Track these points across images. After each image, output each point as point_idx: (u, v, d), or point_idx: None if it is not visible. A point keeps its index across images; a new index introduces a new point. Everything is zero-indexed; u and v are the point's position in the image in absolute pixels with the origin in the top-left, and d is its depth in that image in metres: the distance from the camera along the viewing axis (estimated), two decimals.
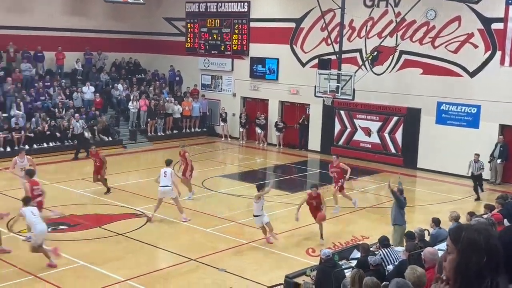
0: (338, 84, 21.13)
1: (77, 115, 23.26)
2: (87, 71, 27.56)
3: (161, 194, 14.64)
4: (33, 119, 22.84)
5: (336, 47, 22.42)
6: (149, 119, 26.30)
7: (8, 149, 21.50)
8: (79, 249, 12.52)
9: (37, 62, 26.05)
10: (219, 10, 27.67)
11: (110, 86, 27.35)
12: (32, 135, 22.37)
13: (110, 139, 24.82)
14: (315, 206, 13.27)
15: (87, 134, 23.58)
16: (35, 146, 22.26)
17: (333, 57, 22.58)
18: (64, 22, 26.96)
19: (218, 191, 18.23)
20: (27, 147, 22.02)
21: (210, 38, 28.06)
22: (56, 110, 24.08)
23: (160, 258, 12.27)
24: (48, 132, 22.73)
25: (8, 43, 25.15)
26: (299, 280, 9.35)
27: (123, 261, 12.10)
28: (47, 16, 26.38)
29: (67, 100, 24.95)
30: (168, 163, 15.13)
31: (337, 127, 24.15)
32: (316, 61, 23.76)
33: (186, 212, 15.10)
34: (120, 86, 27.24)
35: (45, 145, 22.54)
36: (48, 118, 23.11)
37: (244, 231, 13.95)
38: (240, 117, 26.97)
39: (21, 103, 23.17)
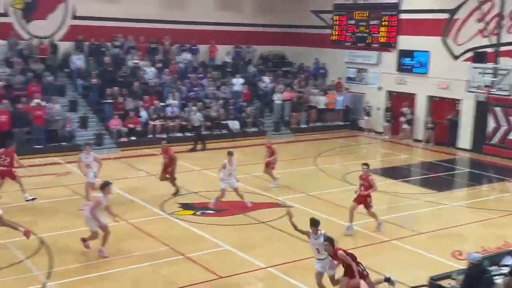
0: (494, 79, 19.81)
1: (194, 108, 23.77)
2: (236, 64, 28.66)
3: None
4: (187, 109, 24.31)
5: (494, 39, 20.98)
6: (293, 111, 26.72)
7: (164, 135, 23.14)
8: (224, 234, 13.14)
9: (192, 54, 27.65)
10: (367, 2, 27.19)
11: (257, 78, 28.20)
12: (186, 123, 23.83)
13: (256, 129, 25.62)
14: (349, 273, 9.10)
15: (231, 124, 24.64)
16: (187, 134, 23.69)
17: (490, 50, 21.15)
18: (217, 17, 28.29)
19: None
20: (180, 134, 23.55)
21: (357, 31, 27.70)
22: (208, 100, 25.37)
23: (300, 249, 12.43)
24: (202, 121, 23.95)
25: (164, 36, 26.99)
26: (444, 283, 8.98)
27: (264, 248, 12.49)
28: (201, 11, 27.87)
29: (218, 91, 26.17)
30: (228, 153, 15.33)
31: (491, 124, 22.63)
32: (470, 54, 22.42)
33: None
34: (266, 79, 27.98)
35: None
36: (202, 108, 24.37)
37: (385, 228, 13.66)
38: (386, 111, 26.36)
39: (177, 93, 24.77)
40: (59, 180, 17.45)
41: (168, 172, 16.04)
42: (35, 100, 21.10)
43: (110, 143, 21.92)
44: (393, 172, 20.08)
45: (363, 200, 13.41)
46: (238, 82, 26.84)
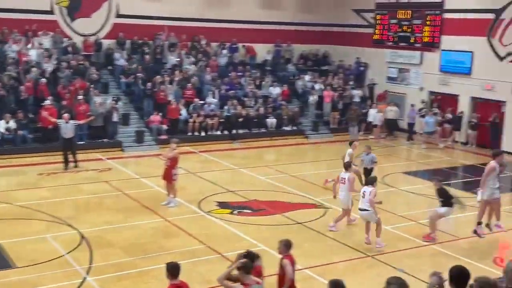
0: None
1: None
2: (276, 63, 28.65)
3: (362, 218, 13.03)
4: (226, 107, 24.43)
5: None
6: (332, 111, 26.57)
7: (203, 133, 23.33)
8: (261, 234, 13.17)
9: (232, 53, 27.78)
10: (411, 1, 26.75)
11: (296, 77, 28.12)
12: (223, 120, 23.96)
13: (294, 128, 25.57)
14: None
15: (269, 123, 24.67)
16: (225, 132, 23.82)
17: None
18: (258, 15, 28.34)
19: (398, 188, 17.80)
20: (219, 132, 23.73)
21: (399, 30, 27.30)
22: (246, 99, 25.44)
23: (336, 251, 12.39)
24: (240, 120, 24.08)
25: (203, 34, 27.27)
26: None
27: (301, 250, 12.43)
28: (243, 10, 27.97)
29: (256, 89, 26.24)
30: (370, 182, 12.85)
31: None
32: None
33: None
34: (306, 77, 27.87)
35: (234, 131, 23.97)
36: (239, 107, 24.47)
37: (424, 232, 13.45)
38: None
39: (216, 92, 24.93)
40: (100, 176, 17.86)
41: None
42: (79, 96, 21.53)
43: (150, 140, 22.26)
44: (433, 175, 19.70)
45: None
46: (274, 91, 26.62)
